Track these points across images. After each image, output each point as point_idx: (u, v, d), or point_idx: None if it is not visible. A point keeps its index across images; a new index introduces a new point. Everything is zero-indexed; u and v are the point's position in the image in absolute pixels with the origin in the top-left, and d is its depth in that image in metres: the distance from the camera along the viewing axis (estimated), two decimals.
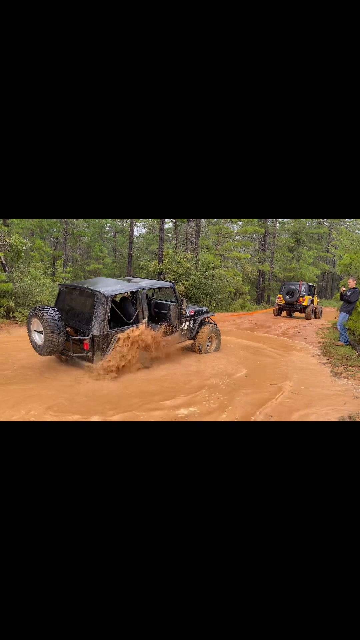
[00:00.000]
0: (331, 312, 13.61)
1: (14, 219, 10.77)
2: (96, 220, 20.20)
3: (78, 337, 3.95)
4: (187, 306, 5.18)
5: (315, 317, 12.89)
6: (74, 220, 18.49)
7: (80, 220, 19.02)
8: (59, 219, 17.56)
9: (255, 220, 19.34)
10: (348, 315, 6.68)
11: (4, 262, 8.75)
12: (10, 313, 7.86)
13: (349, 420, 3.18)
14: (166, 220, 16.89)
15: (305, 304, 12.46)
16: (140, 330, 4.19)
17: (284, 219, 23.48)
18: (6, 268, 8.75)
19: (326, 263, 26.38)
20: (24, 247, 9.33)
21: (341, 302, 6.95)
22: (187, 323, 5.22)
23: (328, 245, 27.31)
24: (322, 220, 26.34)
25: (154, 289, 4.89)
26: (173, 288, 5.02)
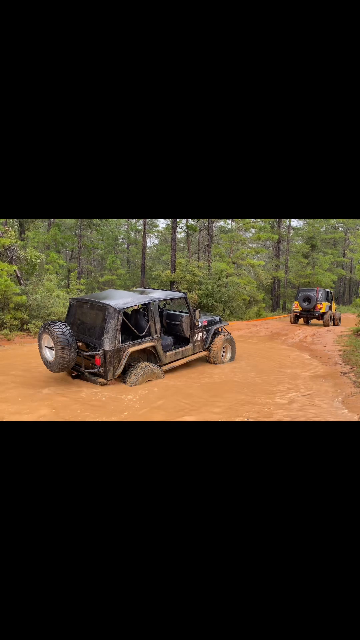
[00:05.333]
0: (350, 319, 13.15)
1: (30, 234, 11.03)
2: (110, 232, 20.52)
3: (89, 353, 3.86)
4: (200, 316, 5.04)
5: (334, 324, 12.48)
6: (88, 232, 18.80)
7: (94, 232, 19.34)
8: (74, 232, 17.90)
9: (268, 226, 19.12)
10: None
11: (19, 275, 8.88)
12: (25, 325, 7.92)
13: None
14: (178, 229, 16.93)
15: (322, 310, 12.09)
16: None
17: (298, 225, 23.17)
18: (21, 281, 8.88)
19: (343, 268, 25.75)
20: (39, 261, 9.48)
21: None
22: (200, 334, 5.07)
23: (344, 250, 26.70)
24: (337, 224, 25.80)
25: (165, 300, 4.78)
26: (185, 298, 4.90)
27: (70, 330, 3.82)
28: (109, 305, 3.88)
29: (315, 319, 12.51)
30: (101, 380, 3.91)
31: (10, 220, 12.00)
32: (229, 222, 21.16)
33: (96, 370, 3.85)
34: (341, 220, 25.07)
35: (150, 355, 4.39)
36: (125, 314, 4.27)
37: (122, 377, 4.03)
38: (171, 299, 4.94)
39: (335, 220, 24.81)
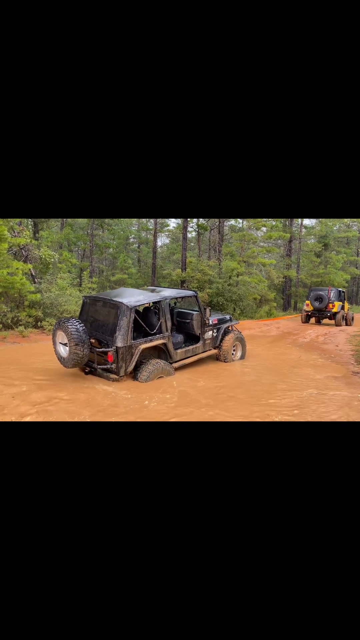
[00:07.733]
0: None
1: (44, 233, 11.25)
2: (121, 231, 20.71)
3: (102, 349, 3.95)
4: (210, 315, 5.08)
5: (347, 324, 12.31)
6: (100, 232, 19.01)
7: (106, 232, 19.53)
8: (86, 232, 18.13)
9: (280, 225, 18.94)
10: None
11: (33, 273, 9.08)
12: (39, 323, 8.11)
13: None
14: (189, 228, 16.94)
15: (335, 310, 11.94)
16: None
17: (310, 223, 22.85)
18: (35, 279, 9.08)
19: (356, 267, 25.28)
20: (53, 259, 9.67)
21: None
22: (210, 332, 5.11)
23: (358, 249, 26.20)
24: (350, 223, 25.35)
25: (176, 298, 4.84)
26: (196, 297, 4.95)
27: (84, 327, 3.92)
28: (122, 302, 3.96)
29: (327, 319, 12.36)
30: (113, 376, 4.00)
31: (25, 220, 12.27)
32: (240, 220, 21.05)
33: (108, 366, 3.94)
34: (355, 218, 24.57)
35: (161, 352, 4.46)
36: (137, 311, 4.35)
37: (134, 373, 4.11)
38: (182, 297, 5.00)
39: (348, 218, 24.34)
